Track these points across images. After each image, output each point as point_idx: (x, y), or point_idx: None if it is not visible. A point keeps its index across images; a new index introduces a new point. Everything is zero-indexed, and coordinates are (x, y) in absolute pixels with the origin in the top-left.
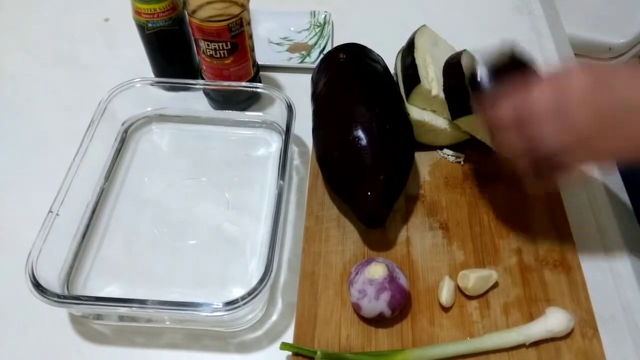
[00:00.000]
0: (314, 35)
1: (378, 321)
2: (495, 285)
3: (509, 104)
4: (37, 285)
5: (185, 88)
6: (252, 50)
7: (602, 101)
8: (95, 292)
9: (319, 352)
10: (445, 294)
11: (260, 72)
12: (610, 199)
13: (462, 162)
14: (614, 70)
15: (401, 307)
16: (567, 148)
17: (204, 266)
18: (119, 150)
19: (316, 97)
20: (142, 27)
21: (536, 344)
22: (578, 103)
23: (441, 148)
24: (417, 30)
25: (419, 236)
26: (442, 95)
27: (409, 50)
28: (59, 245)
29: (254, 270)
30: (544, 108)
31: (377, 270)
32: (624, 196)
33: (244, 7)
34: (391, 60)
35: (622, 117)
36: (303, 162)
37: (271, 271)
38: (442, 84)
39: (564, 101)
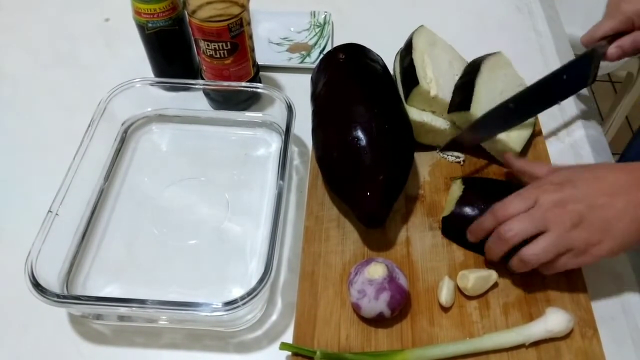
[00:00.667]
0: (314, 36)
1: (378, 321)
2: (495, 285)
3: (489, 216)
4: (37, 285)
5: (185, 88)
6: (252, 50)
7: (573, 212)
8: (95, 292)
9: (318, 352)
10: (445, 294)
11: (260, 72)
12: None
13: (462, 162)
14: (577, 177)
15: (401, 307)
16: (556, 260)
17: (204, 266)
18: (119, 150)
19: (316, 97)
20: (142, 27)
21: (536, 344)
22: (554, 219)
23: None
24: (414, 30)
25: (418, 236)
26: (440, 95)
27: (407, 51)
28: (59, 245)
29: (254, 270)
30: (519, 210)
31: (376, 271)
32: None
33: (244, 7)
34: (391, 60)
35: (602, 219)
36: (303, 162)
37: (271, 271)
38: (440, 84)
39: (542, 218)
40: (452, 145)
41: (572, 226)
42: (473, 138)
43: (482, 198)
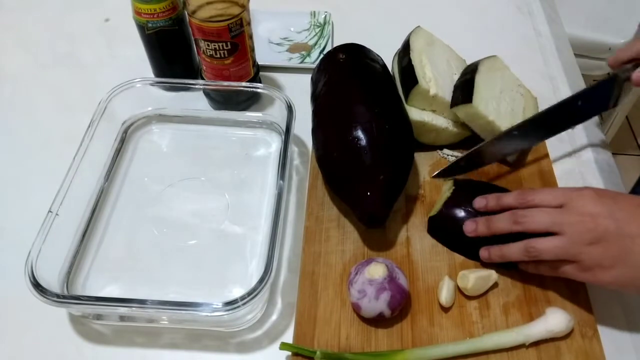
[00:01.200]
0: (314, 36)
1: (378, 321)
2: (495, 285)
3: (514, 195)
4: (37, 285)
5: (185, 88)
6: (252, 50)
7: (600, 227)
8: (95, 292)
9: (318, 352)
10: (445, 294)
11: (260, 72)
12: None
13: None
14: (622, 198)
15: (401, 307)
16: (561, 262)
17: (204, 266)
18: (119, 150)
19: (316, 97)
20: (142, 27)
21: (536, 344)
22: (576, 226)
23: (441, 148)
24: (411, 31)
25: (418, 236)
26: (440, 94)
27: (404, 52)
28: (59, 245)
29: (254, 270)
30: (546, 203)
31: (377, 270)
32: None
33: (244, 7)
34: (391, 60)
35: (624, 248)
36: (303, 162)
37: (271, 271)
38: (439, 83)
39: (564, 220)
40: (456, 167)
41: (590, 240)
42: (471, 163)
43: (471, 201)
